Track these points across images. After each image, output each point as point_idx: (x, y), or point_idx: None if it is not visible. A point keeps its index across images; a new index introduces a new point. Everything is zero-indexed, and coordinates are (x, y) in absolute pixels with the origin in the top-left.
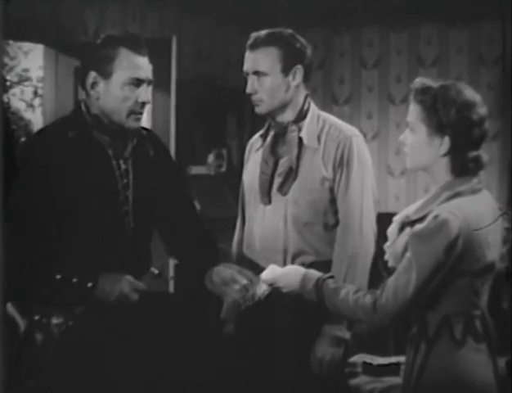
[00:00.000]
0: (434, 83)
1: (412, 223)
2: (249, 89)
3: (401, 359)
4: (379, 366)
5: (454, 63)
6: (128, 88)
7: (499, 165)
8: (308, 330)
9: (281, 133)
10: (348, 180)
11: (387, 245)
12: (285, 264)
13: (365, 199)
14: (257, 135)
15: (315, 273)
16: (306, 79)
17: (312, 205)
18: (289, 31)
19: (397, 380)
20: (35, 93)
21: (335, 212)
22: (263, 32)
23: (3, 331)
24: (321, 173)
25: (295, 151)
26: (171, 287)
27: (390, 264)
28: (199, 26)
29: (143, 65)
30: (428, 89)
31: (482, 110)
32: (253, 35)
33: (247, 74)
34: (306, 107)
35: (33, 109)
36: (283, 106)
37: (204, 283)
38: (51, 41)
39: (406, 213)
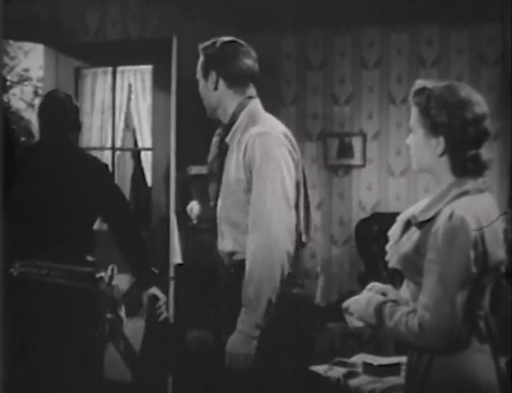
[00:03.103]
0: (430, 84)
1: (421, 224)
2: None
3: (402, 359)
4: (380, 366)
5: (454, 63)
6: None
7: (499, 166)
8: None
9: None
10: (253, 180)
11: (389, 245)
12: (223, 263)
13: (270, 197)
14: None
15: (378, 298)
16: (232, 84)
17: (235, 207)
18: (216, 39)
19: (398, 380)
20: (35, 93)
21: None
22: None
23: (3, 331)
24: (237, 176)
25: (218, 155)
26: (171, 288)
27: (391, 264)
28: (199, 26)
29: None
30: (423, 90)
31: (479, 108)
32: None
33: None
34: (237, 111)
35: (33, 109)
36: (213, 110)
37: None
38: (51, 41)
39: (413, 212)
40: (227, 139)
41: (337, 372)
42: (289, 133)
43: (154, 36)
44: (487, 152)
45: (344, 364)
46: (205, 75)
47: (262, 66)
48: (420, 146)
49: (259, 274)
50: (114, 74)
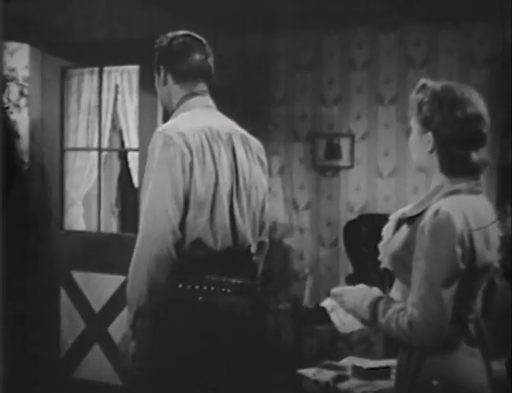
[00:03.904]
0: (431, 83)
1: (409, 219)
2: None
3: (392, 362)
4: (370, 369)
5: (443, 64)
6: None
7: (487, 169)
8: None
9: None
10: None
11: (381, 244)
12: None
13: (148, 199)
14: None
15: (375, 293)
16: (179, 80)
17: None
18: (168, 34)
19: (387, 383)
20: (21, 93)
21: None
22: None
23: (3, 331)
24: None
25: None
26: None
27: (384, 264)
28: (186, 26)
29: None
30: (423, 87)
31: (472, 109)
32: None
33: None
34: (175, 108)
35: (19, 109)
36: (166, 105)
37: None
38: (37, 40)
39: (403, 210)
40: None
41: (326, 375)
42: (191, 133)
43: (141, 36)
44: (479, 155)
45: (333, 367)
46: (157, 71)
47: (252, 67)
48: (416, 143)
49: (131, 276)
50: (100, 74)
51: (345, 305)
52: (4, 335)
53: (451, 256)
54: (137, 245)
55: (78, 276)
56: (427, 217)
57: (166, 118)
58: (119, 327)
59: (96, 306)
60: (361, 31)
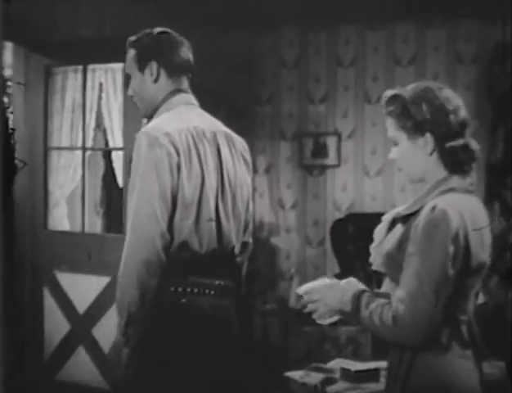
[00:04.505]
0: (399, 91)
1: (404, 218)
2: (128, 92)
3: (381, 364)
4: (358, 372)
5: (431, 61)
6: None
7: (476, 166)
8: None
9: None
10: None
11: (373, 246)
12: None
13: (136, 202)
14: None
15: (357, 285)
16: (172, 74)
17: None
18: (147, 31)
19: (377, 386)
20: (4, 92)
21: None
22: (129, 38)
23: (3, 331)
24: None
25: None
26: None
27: (375, 266)
28: (172, 24)
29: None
30: (395, 97)
31: (455, 100)
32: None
33: None
34: (159, 105)
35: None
36: (150, 106)
37: None
38: (20, 38)
39: (397, 210)
40: (136, 135)
41: (314, 378)
42: (177, 134)
43: (125, 34)
44: (473, 143)
45: (321, 370)
46: (142, 68)
47: (237, 65)
48: (408, 153)
49: (121, 283)
50: (84, 72)
51: (319, 304)
52: (4, 335)
53: (445, 254)
54: (126, 250)
55: (62, 277)
56: (423, 214)
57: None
58: (103, 329)
59: (81, 308)
60: (348, 28)
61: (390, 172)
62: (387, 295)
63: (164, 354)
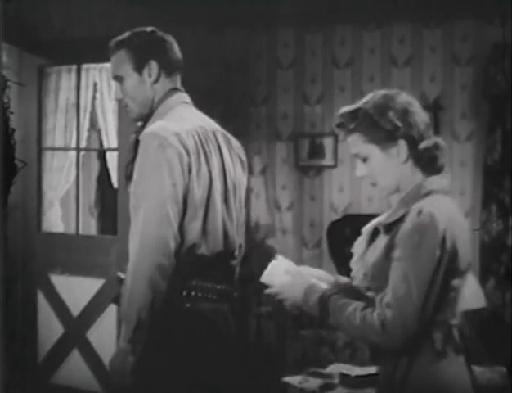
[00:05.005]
0: (355, 106)
1: (388, 226)
2: (116, 96)
3: None
4: (358, 377)
5: (427, 62)
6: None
7: (473, 166)
8: None
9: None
10: (134, 183)
11: (354, 260)
12: None
13: (143, 204)
14: None
15: (320, 286)
16: (169, 73)
17: (133, 209)
18: (137, 30)
19: None
20: None
21: None
22: (117, 37)
23: (3, 331)
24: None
25: (132, 152)
26: None
27: (357, 282)
28: (165, 24)
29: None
30: (356, 112)
31: (414, 101)
32: (109, 43)
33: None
34: (157, 104)
35: None
36: (148, 106)
37: None
38: (13, 38)
39: (378, 220)
40: (140, 136)
41: (312, 383)
42: (185, 134)
43: (119, 33)
44: (440, 141)
45: (320, 375)
46: (139, 68)
47: (232, 66)
48: (382, 165)
49: (130, 288)
50: (78, 72)
51: (286, 302)
52: (4, 336)
53: (433, 257)
54: (137, 254)
55: (56, 279)
56: (409, 219)
57: None
58: (98, 332)
59: (75, 310)
60: (344, 29)
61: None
62: (349, 287)
63: (169, 360)
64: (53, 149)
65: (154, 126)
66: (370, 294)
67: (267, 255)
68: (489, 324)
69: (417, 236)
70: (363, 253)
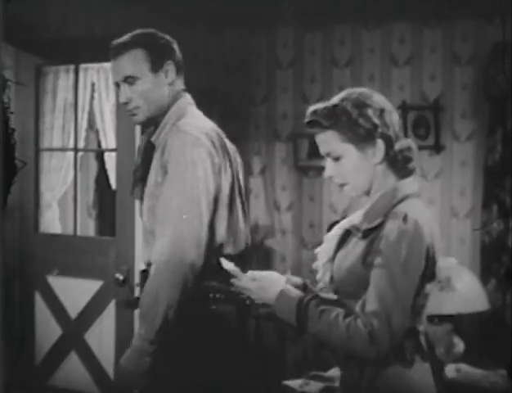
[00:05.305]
0: (333, 102)
1: (368, 232)
2: (122, 98)
3: None
4: None
5: (428, 62)
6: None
7: (474, 167)
8: None
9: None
10: (164, 182)
11: (320, 263)
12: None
13: (178, 202)
14: None
15: (295, 291)
16: (180, 74)
17: (149, 211)
18: (150, 30)
19: None
20: None
21: None
22: (123, 38)
23: (3, 331)
24: (156, 179)
25: (142, 156)
26: (136, 294)
27: (322, 284)
28: (164, 23)
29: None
30: (333, 110)
31: (387, 100)
32: (114, 43)
33: (117, 84)
34: (169, 105)
35: None
36: (161, 108)
37: None
38: (10, 37)
39: (351, 224)
40: (153, 138)
41: (313, 387)
42: (213, 133)
43: (118, 32)
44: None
45: (321, 379)
46: (156, 69)
47: (231, 65)
48: (357, 165)
49: (158, 285)
50: (76, 72)
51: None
52: (4, 336)
53: (420, 266)
54: (166, 252)
55: (53, 281)
56: (393, 224)
57: None
58: (96, 334)
59: (73, 312)
60: (343, 28)
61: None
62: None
63: (187, 362)
64: (51, 150)
65: (183, 126)
66: (337, 297)
67: (266, 256)
68: (489, 326)
69: (404, 243)
70: (332, 256)
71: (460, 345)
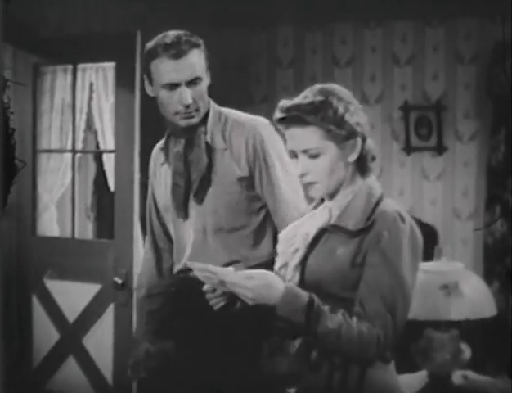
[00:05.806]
0: (313, 98)
1: (356, 233)
2: (187, 100)
3: None
4: None
5: (430, 61)
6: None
7: (477, 167)
8: None
9: (189, 139)
10: (269, 174)
11: (295, 263)
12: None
13: (287, 188)
14: (157, 148)
15: (299, 289)
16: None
17: (231, 210)
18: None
19: None
20: None
21: (259, 210)
22: (182, 38)
23: (3, 331)
24: (236, 174)
25: (204, 156)
26: (135, 298)
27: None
28: (164, 21)
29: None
30: (320, 105)
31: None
32: (173, 42)
33: (175, 85)
34: (207, 107)
35: None
36: (206, 107)
37: None
38: (8, 36)
39: (330, 224)
40: (208, 139)
41: None
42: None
43: (117, 31)
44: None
45: None
46: (208, 68)
47: (231, 64)
48: (331, 165)
49: None
50: (74, 71)
51: (249, 301)
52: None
53: (419, 261)
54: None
55: (51, 284)
56: (388, 223)
57: (144, 117)
58: (94, 338)
59: (71, 316)
60: (344, 27)
61: (388, 174)
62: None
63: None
64: (48, 151)
65: (254, 118)
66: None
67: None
68: (494, 330)
69: (406, 241)
70: (304, 256)
71: (466, 352)
